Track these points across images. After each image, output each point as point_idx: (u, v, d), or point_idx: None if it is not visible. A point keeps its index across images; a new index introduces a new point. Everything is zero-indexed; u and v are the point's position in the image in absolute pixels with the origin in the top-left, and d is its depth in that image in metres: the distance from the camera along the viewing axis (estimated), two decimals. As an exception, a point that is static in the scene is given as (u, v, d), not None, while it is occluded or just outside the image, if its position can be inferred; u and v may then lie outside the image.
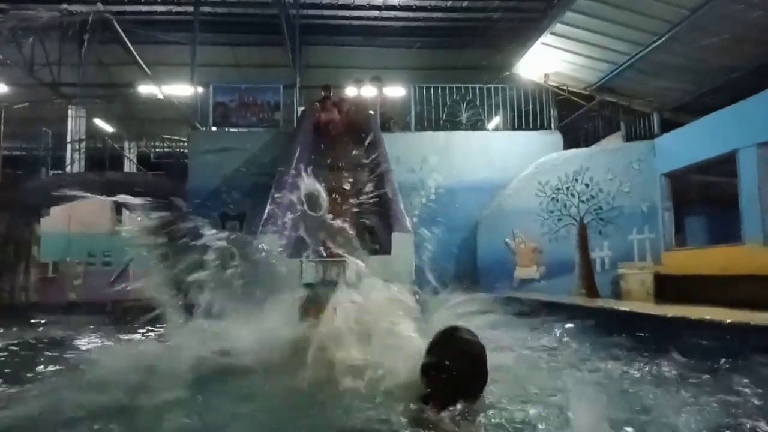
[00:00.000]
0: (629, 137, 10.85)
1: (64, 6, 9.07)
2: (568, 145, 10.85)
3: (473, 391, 2.14)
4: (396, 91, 12.23)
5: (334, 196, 7.37)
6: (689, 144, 8.99)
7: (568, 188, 9.84)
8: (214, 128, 10.71)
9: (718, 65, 8.48)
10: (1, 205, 10.91)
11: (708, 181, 9.84)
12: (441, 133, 10.71)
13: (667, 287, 8.68)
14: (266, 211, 5.98)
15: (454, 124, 11.02)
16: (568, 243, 9.71)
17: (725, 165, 8.06)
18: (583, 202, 9.80)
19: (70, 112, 13.95)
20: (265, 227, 5.62)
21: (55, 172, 13.92)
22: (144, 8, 13.20)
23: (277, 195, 6.36)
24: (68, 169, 13.70)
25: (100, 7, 8.99)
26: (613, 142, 11.18)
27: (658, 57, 8.65)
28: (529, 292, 9.12)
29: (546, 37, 9.04)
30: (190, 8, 12.43)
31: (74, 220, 15.48)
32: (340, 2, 13.36)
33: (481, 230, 9.90)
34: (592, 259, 9.65)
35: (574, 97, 10.74)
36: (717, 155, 8.27)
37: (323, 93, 10.60)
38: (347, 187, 7.61)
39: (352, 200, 7.19)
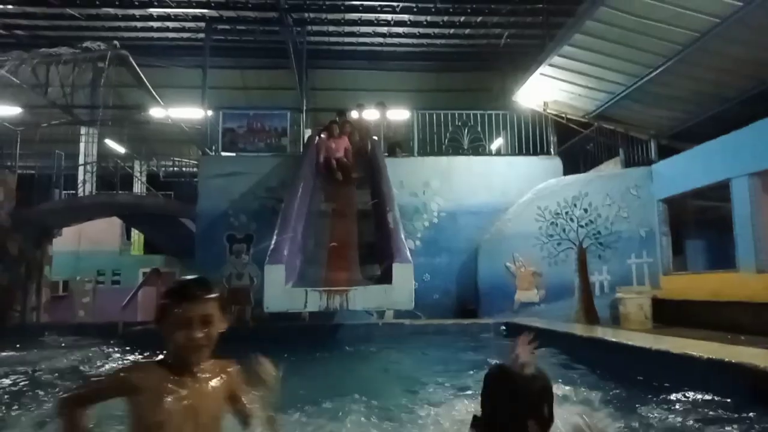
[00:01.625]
0: (628, 163, 11.09)
1: (84, 44, 9.45)
2: (567, 170, 11.08)
3: None
4: (400, 114, 12.53)
5: (337, 224, 7.65)
6: (685, 171, 9.23)
7: (567, 213, 10.07)
8: (223, 153, 11.02)
9: (711, 95, 8.75)
10: (15, 226, 11.22)
11: (707, 205, 10.06)
12: (443, 158, 10.98)
13: (664, 311, 8.87)
14: (272, 243, 6.23)
15: (456, 149, 11.29)
16: (568, 267, 9.89)
17: (722, 190, 8.29)
18: (582, 226, 10.02)
19: (82, 134, 14.33)
20: (272, 259, 5.86)
21: (67, 192, 14.27)
22: (156, 35, 13.61)
23: (282, 226, 6.61)
24: (80, 189, 14.04)
25: (117, 44, 9.37)
26: (612, 167, 11.42)
27: (653, 88, 8.92)
28: (528, 316, 9.31)
29: (544, 68, 9.33)
30: (201, 34, 12.84)
31: (84, 238, 15.87)
32: (345, 30, 13.75)
33: (482, 254, 10.12)
34: (591, 283, 9.81)
35: (572, 124, 11.01)
36: (711, 183, 8.51)
37: (337, 119, 10.73)
38: (351, 215, 7.85)
39: (355, 228, 7.45)
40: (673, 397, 3.57)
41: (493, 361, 2.05)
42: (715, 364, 3.81)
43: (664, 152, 10.25)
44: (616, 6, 7.25)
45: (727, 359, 3.78)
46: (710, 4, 6.76)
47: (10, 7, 11.92)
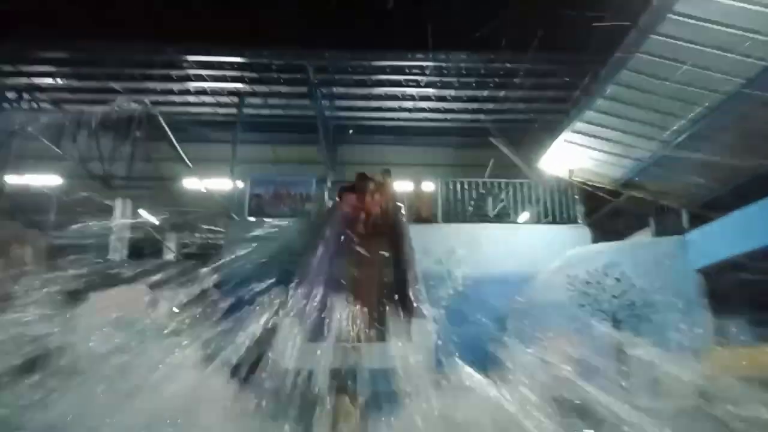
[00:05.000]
0: (659, 233, 10.76)
1: (116, 103, 10.00)
2: (596, 241, 10.79)
3: None
4: (426, 186, 12.62)
5: (357, 282, 7.45)
6: (721, 239, 8.85)
7: (598, 282, 9.66)
8: (251, 218, 11.16)
9: (742, 162, 8.52)
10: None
11: (748, 279, 9.54)
12: (468, 225, 10.87)
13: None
14: (288, 296, 6.08)
15: (480, 218, 11.19)
16: (601, 339, 9.36)
17: (763, 261, 7.85)
18: (615, 297, 9.57)
19: (117, 203, 14.76)
20: (284, 312, 5.69)
21: (97, 260, 14.50)
22: (192, 109, 14.31)
23: (299, 280, 6.48)
24: (110, 256, 14.25)
25: (148, 103, 9.87)
26: (643, 238, 11.09)
27: (681, 154, 8.78)
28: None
29: (568, 135, 9.35)
30: (234, 110, 13.47)
31: (109, 308, 15.86)
32: (372, 105, 14.20)
33: (510, 324, 9.68)
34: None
35: (599, 192, 10.85)
36: (750, 251, 8.10)
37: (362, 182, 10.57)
38: (370, 274, 7.66)
39: (374, 287, 7.23)
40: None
41: None
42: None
43: (697, 222, 9.92)
44: (637, 69, 7.31)
45: None
46: (734, 65, 6.74)
47: (59, 80, 12.79)
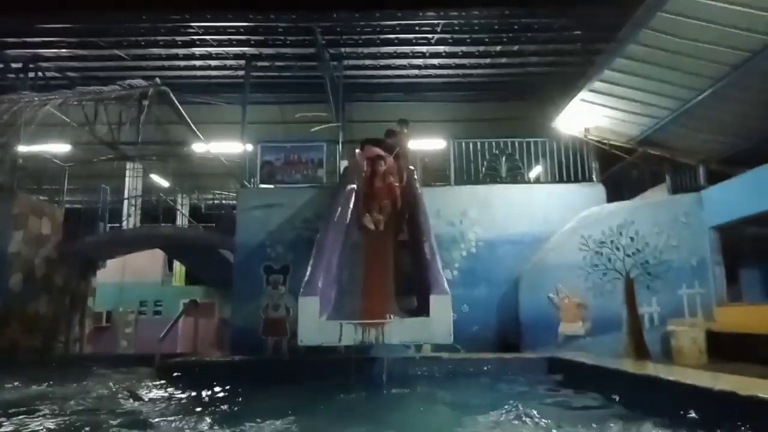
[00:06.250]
0: (675, 189, 10.65)
1: (126, 82, 9.86)
2: (611, 198, 10.71)
3: None
4: (436, 144, 12.48)
5: (373, 255, 7.52)
6: (738, 197, 8.75)
7: (612, 242, 9.67)
8: (261, 185, 11.14)
9: (763, 118, 8.33)
10: (61, 259, 11.55)
11: (763, 233, 9.50)
12: (481, 186, 10.80)
13: (720, 346, 8.31)
14: (306, 274, 6.14)
15: (493, 178, 11.09)
16: (614, 298, 9.46)
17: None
18: (628, 256, 9.59)
19: (128, 169, 14.81)
20: (306, 290, 5.77)
21: (112, 225, 14.71)
22: (199, 73, 14.10)
23: (317, 257, 6.53)
24: (125, 222, 14.45)
25: (158, 81, 9.72)
26: (658, 194, 10.99)
27: (700, 111, 8.57)
28: (574, 350, 8.88)
29: (585, 94, 9.12)
30: (241, 72, 13.23)
31: (127, 270, 16.24)
32: (381, 63, 13.88)
33: (523, 285, 9.78)
34: (640, 316, 9.35)
35: (615, 150, 10.68)
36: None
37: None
38: (387, 246, 7.71)
39: (391, 259, 7.29)
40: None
41: None
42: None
43: (714, 178, 9.80)
44: (658, 28, 7.03)
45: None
46: (759, 22, 6.48)
47: (63, 51, 12.59)
